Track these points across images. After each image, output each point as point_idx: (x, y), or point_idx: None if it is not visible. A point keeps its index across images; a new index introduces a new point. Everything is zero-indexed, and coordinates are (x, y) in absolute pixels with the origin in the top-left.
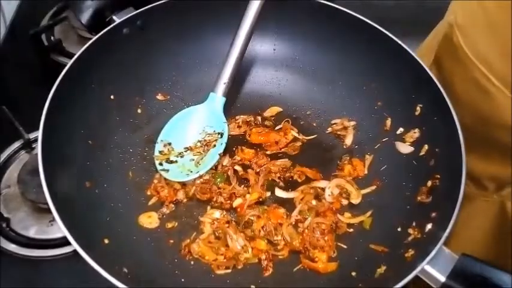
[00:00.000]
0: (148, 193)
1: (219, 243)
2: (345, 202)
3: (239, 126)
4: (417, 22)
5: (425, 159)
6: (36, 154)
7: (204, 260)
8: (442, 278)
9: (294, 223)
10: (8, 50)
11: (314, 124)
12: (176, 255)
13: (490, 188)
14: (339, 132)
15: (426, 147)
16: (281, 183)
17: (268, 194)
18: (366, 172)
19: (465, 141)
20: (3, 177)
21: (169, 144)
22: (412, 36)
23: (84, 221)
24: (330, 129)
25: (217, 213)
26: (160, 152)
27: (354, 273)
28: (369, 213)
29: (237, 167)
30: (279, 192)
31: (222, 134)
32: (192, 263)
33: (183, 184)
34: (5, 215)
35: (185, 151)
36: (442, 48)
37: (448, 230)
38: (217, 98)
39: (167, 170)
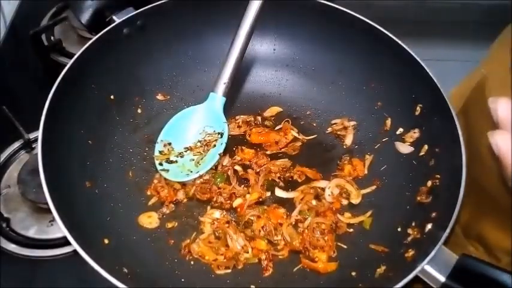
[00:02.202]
0: (148, 193)
1: (219, 243)
2: (345, 202)
3: (239, 126)
4: (417, 22)
5: (425, 159)
6: (36, 154)
7: (204, 260)
8: (442, 278)
9: (294, 223)
10: (8, 50)
11: (314, 124)
12: (176, 255)
13: (502, 260)
14: (339, 132)
15: (426, 147)
16: (281, 183)
17: (268, 194)
18: (366, 172)
19: (482, 206)
20: (3, 177)
21: (169, 144)
22: (412, 36)
23: (84, 221)
24: (330, 129)
25: (217, 213)
26: (160, 152)
27: (354, 273)
28: (369, 213)
29: (237, 167)
30: (279, 192)
31: (222, 134)
32: (192, 263)
33: (183, 184)
34: (5, 215)
35: (185, 151)
36: (473, 98)
37: (448, 230)
38: (217, 98)
39: (167, 170)
